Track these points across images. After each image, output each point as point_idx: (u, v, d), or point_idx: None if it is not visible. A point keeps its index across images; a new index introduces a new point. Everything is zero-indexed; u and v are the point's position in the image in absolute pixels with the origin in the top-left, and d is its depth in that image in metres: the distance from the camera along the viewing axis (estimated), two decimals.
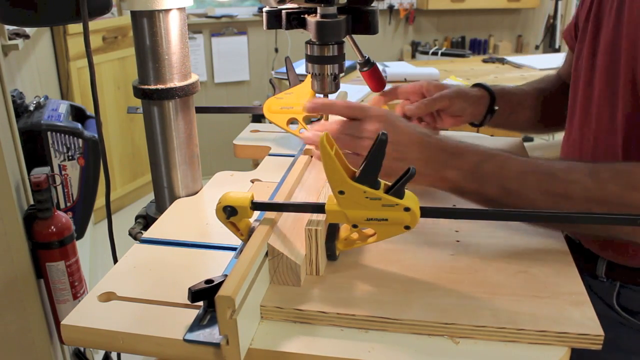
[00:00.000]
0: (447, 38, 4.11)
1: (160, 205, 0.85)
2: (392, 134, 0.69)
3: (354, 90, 2.02)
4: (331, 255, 0.63)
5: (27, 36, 1.45)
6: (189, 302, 0.53)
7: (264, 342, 0.52)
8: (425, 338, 0.53)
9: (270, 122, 1.01)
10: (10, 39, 1.37)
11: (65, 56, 2.71)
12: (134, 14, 0.75)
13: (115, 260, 0.84)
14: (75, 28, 2.65)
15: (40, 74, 2.13)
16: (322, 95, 0.84)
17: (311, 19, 0.75)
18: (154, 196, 0.87)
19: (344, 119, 0.74)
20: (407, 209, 0.55)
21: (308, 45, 0.78)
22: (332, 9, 0.74)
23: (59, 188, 1.18)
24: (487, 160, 0.67)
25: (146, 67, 0.77)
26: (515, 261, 0.63)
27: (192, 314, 0.55)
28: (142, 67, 0.78)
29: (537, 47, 4.03)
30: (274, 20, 0.80)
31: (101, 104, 1.44)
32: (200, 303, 0.54)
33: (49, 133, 1.13)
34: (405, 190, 0.56)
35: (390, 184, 0.56)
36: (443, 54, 3.63)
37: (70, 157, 1.17)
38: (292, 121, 0.98)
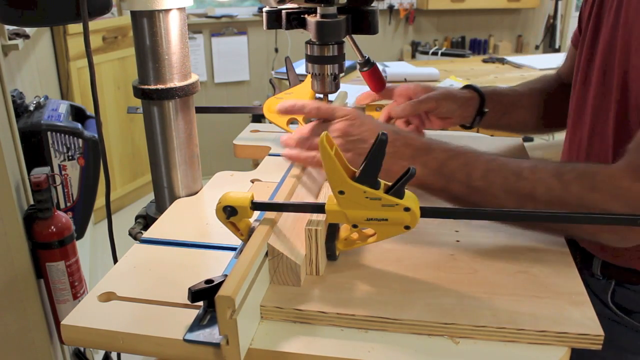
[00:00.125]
0: (447, 38, 4.11)
1: (160, 205, 0.85)
2: (357, 130, 0.70)
3: (354, 90, 2.01)
4: (331, 255, 0.63)
5: (27, 36, 1.45)
6: (189, 302, 0.53)
7: (264, 342, 0.52)
8: (425, 338, 0.53)
9: (270, 122, 1.01)
10: (10, 39, 1.37)
11: (65, 56, 2.71)
12: (134, 14, 0.75)
13: (115, 260, 0.84)
14: (75, 28, 2.65)
15: (40, 74, 2.13)
16: (322, 95, 0.84)
17: (311, 19, 0.75)
18: (154, 196, 0.87)
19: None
20: (407, 209, 0.55)
21: (308, 45, 0.78)
22: (332, 9, 0.74)
23: (59, 188, 1.18)
24: (454, 157, 0.67)
25: (146, 67, 0.77)
26: (515, 261, 0.63)
27: (192, 314, 0.55)
28: (142, 67, 0.78)
29: (537, 47, 4.04)
30: (274, 20, 0.80)
31: (101, 104, 1.44)
32: (200, 303, 0.54)
33: (49, 133, 1.13)
34: (405, 190, 0.56)
35: (390, 184, 0.56)
36: (443, 54, 3.63)
37: (70, 157, 1.17)
38: (292, 121, 0.98)
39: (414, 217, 0.55)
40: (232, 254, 0.66)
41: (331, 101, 1.08)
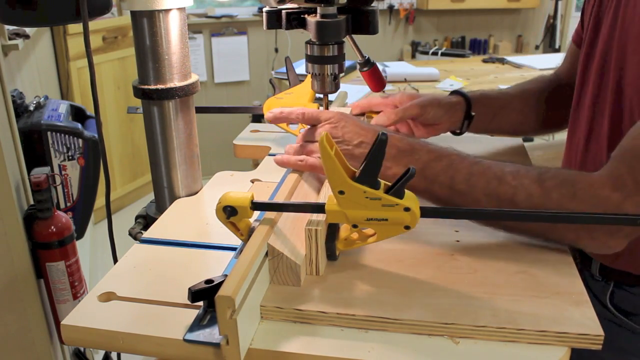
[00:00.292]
0: (447, 38, 4.11)
1: (160, 205, 0.85)
2: (340, 132, 0.71)
3: (354, 90, 2.01)
4: (331, 255, 0.63)
5: (27, 36, 1.45)
6: (189, 302, 0.53)
7: (264, 342, 0.52)
8: (425, 338, 0.53)
9: (270, 122, 1.01)
10: (10, 39, 1.37)
11: (65, 56, 2.71)
12: (134, 14, 0.75)
13: (115, 260, 0.84)
14: (75, 28, 2.65)
15: (40, 74, 2.13)
16: (322, 95, 0.84)
17: (311, 19, 0.75)
18: (154, 196, 0.87)
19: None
20: (407, 209, 0.55)
21: (308, 45, 0.78)
22: (332, 9, 0.74)
23: (59, 188, 1.18)
24: (438, 159, 0.67)
25: (146, 67, 0.77)
26: (515, 261, 0.63)
27: (192, 314, 0.55)
28: (142, 67, 0.78)
29: (537, 47, 4.04)
30: (274, 20, 0.80)
31: (101, 104, 1.44)
32: (200, 303, 0.54)
33: (49, 133, 1.13)
34: (405, 190, 0.56)
35: (389, 184, 0.56)
36: (443, 54, 3.63)
37: (70, 157, 1.17)
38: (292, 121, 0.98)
39: (414, 217, 0.55)
40: (232, 254, 0.66)
41: (331, 101, 1.08)
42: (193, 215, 0.79)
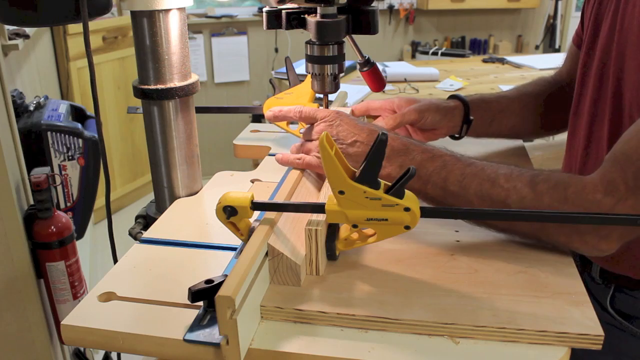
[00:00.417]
0: (447, 38, 4.11)
1: (160, 205, 0.85)
2: (335, 130, 0.72)
3: (354, 90, 2.01)
4: (331, 255, 0.63)
5: (27, 36, 1.45)
6: (189, 302, 0.53)
7: (264, 342, 0.52)
8: (425, 338, 0.53)
9: (270, 122, 1.01)
10: (10, 39, 1.37)
11: (65, 56, 2.71)
12: (134, 14, 0.75)
13: (115, 260, 0.84)
14: (75, 28, 2.65)
15: (40, 74, 2.13)
16: (322, 95, 0.84)
17: (311, 19, 0.75)
18: (154, 196, 0.87)
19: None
20: (407, 209, 0.55)
21: (308, 45, 0.78)
22: (332, 9, 0.74)
23: (59, 188, 1.18)
24: (432, 160, 0.67)
25: (146, 67, 0.77)
26: (515, 261, 0.63)
27: (192, 314, 0.55)
28: (142, 67, 0.78)
29: (537, 47, 4.03)
30: (274, 20, 0.80)
31: (101, 104, 1.44)
32: (200, 303, 0.55)
33: (49, 133, 1.13)
34: (405, 190, 0.56)
35: (389, 184, 0.56)
36: (443, 54, 3.63)
37: (70, 157, 1.17)
38: (292, 121, 0.98)
39: (414, 217, 0.56)
40: (232, 254, 0.66)
41: (331, 101, 1.08)
42: (193, 215, 0.79)
